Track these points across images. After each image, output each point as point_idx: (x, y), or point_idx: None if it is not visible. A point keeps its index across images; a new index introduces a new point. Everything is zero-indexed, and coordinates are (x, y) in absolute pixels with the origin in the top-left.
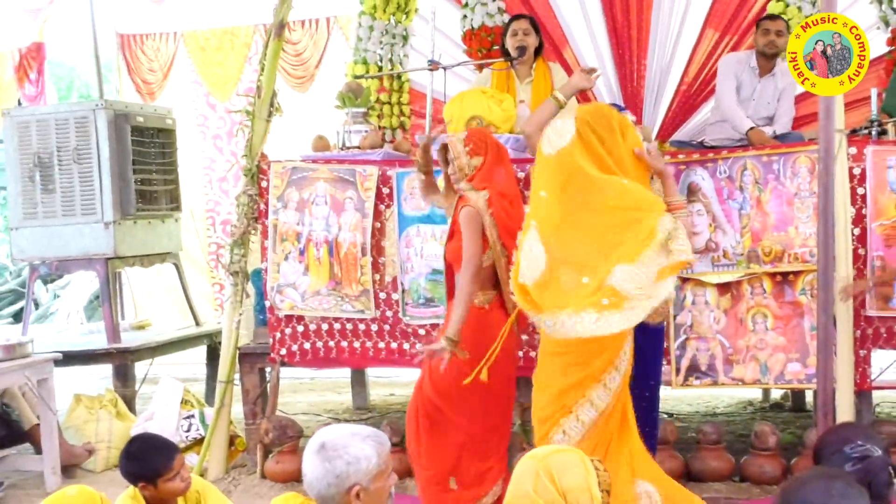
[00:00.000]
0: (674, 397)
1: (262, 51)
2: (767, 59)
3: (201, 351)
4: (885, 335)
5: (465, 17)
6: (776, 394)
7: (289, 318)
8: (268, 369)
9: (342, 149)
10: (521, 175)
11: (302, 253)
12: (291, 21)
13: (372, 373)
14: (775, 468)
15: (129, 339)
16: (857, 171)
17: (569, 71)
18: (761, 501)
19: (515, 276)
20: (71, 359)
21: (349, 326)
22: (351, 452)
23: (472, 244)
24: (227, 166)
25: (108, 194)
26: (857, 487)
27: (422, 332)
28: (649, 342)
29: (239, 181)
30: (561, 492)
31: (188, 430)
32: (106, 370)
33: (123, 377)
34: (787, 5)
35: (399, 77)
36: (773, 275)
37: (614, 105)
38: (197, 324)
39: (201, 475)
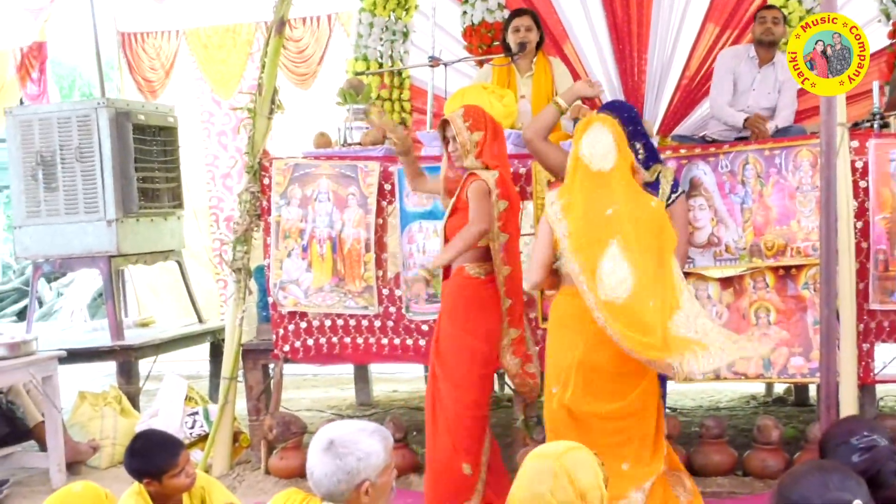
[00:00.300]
0: (677, 392)
1: (263, 48)
2: (766, 49)
3: (205, 348)
4: (888, 329)
5: (465, 13)
6: (779, 388)
7: (292, 314)
8: (271, 366)
9: (344, 145)
10: (523, 171)
11: (305, 249)
12: (293, 18)
13: (375, 369)
14: (778, 462)
15: (132, 337)
16: (859, 164)
17: (569, 65)
18: (764, 496)
19: (595, 290)
20: (75, 356)
21: (352, 323)
22: (361, 448)
23: (483, 212)
24: (231, 163)
25: (110, 192)
26: (855, 479)
27: (425, 327)
28: None
29: (242, 178)
30: (579, 492)
31: (192, 427)
32: (110, 367)
33: (127, 374)
34: None
35: (400, 73)
36: (775, 269)
37: (618, 102)
38: (200, 321)
39: (206, 472)
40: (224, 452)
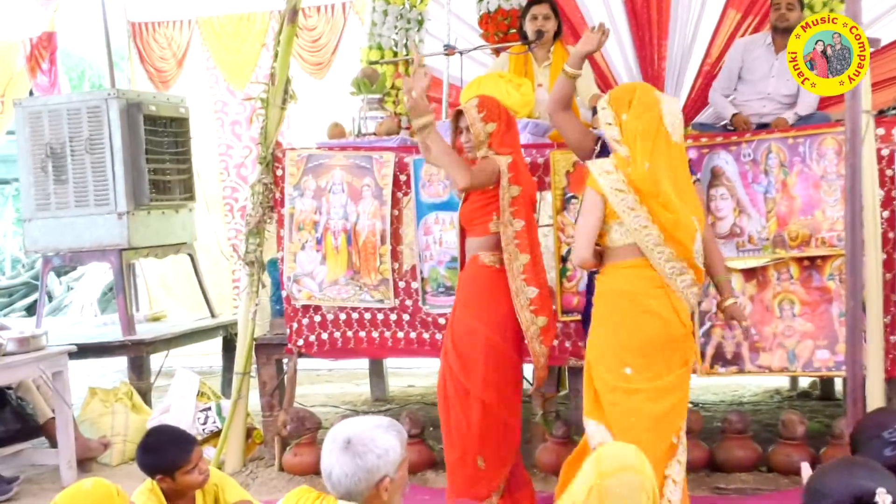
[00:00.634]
0: (699, 386)
1: (276, 37)
2: (782, 35)
3: (217, 342)
4: None
5: (481, 0)
6: (804, 382)
7: (306, 308)
8: (285, 360)
9: (358, 136)
10: (541, 161)
11: (319, 242)
12: (307, 6)
13: (390, 363)
14: (803, 458)
15: (144, 331)
16: (885, 152)
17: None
18: (788, 492)
19: (691, 257)
20: (85, 351)
21: (367, 316)
22: (380, 445)
23: (478, 175)
24: (245, 153)
25: (121, 184)
26: (882, 471)
27: (442, 321)
28: None
29: (255, 168)
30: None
31: (205, 423)
32: (121, 363)
33: (139, 370)
34: None
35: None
36: (800, 260)
37: None
38: (212, 315)
39: (218, 468)
40: (237, 449)
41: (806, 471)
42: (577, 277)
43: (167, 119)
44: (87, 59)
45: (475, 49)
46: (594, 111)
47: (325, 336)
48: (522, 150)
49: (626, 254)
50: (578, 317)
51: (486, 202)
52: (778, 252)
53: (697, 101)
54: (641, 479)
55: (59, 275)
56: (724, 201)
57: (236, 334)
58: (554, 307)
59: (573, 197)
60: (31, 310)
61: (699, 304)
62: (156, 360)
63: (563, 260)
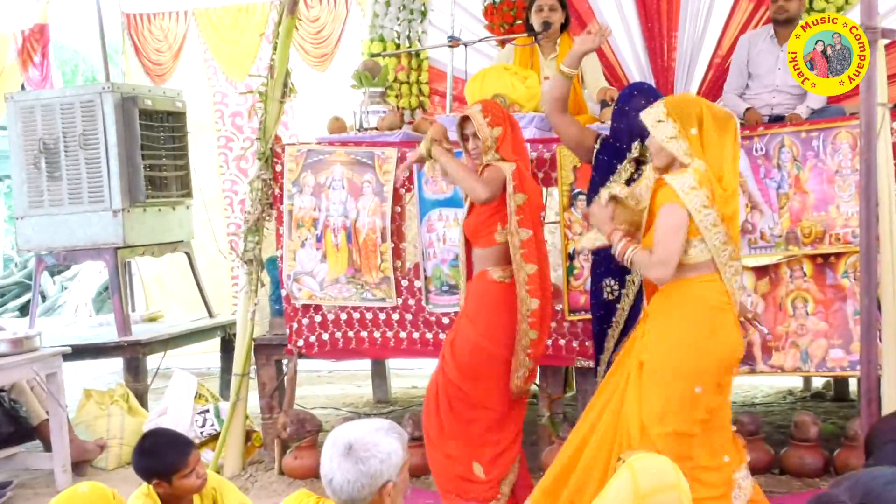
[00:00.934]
0: None
1: (275, 29)
2: (783, 27)
3: (215, 343)
4: None
5: None
6: (817, 382)
7: (306, 307)
8: (284, 361)
9: (359, 130)
10: (548, 156)
11: (319, 239)
12: None
13: (393, 364)
14: (816, 460)
15: (140, 332)
16: None
17: None
18: (802, 494)
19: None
20: (80, 352)
21: (369, 316)
22: (382, 449)
23: (491, 184)
24: (246, 145)
25: (116, 181)
26: None
27: (445, 320)
28: None
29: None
30: None
31: (203, 426)
32: (116, 364)
33: (135, 371)
34: None
35: (418, 55)
36: (813, 257)
37: (647, 86)
38: (210, 315)
39: (217, 472)
40: (236, 452)
41: None
42: (584, 276)
43: (163, 113)
44: (81, 53)
45: (480, 41)
46: (602, 105)
47: (325, 336)
48: (528, 144)
49: (704, 268)
50: (586, 315)
51: (491, 212)
52: (791, 249)
53: (708, 93)
54: (679, 495)
55: (52, 274)
56: None
57: (235, 335)
58: (560, 307)
59: (580, 193)
60: (24, 310)
61: None
62: (152, 362)
63: (571, 258)
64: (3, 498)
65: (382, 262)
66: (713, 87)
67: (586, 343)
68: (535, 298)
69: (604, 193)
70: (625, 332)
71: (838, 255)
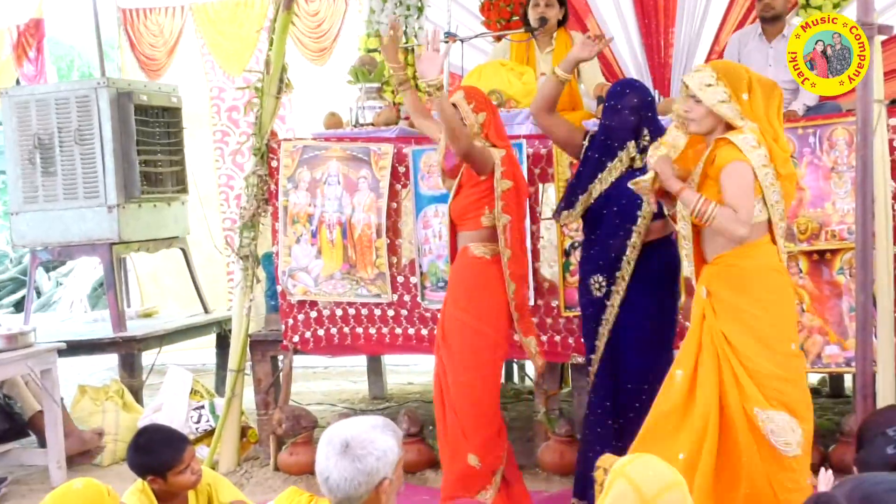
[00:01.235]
0: None
1: (271, 23)
2: (770, 23)
3: (211, 339)
4: None
5: None
6: (813, 378)
7: (301, 303)
8: (280, 357)
9: (355, 126)
10: (544, 151)
11: (314, 235)
12: None
13: (389, 360)
14: (812, 456)
15: (135, 328)
16: None
17: None
18: None
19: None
20: (75, 348)
21: (364, 312)
22: (379, 447)
23: (482, 152)
24: (242, 139)
25: (111, 176)
26: None
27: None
28: None
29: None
30: None
31: (198, 422)
32: (111, 360)
33: (130, 367)
34: None
35: (414, 50)
36: (809, 253)
37: (639, 83)
38: (206, 311)
39: (212, 468)
40: (231, 448)
41: (824, 477)
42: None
43: (159, 109)
44: (76, 48)
45: (477, 36)
46: (599, 101)
47: (321, 332)
48: (525, 140)
49: (760, 230)
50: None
51: (478, 196)
52: (787, 245)
53: None
54: (682, 490)
55: (47, 270)
56: None
57: (230, 330)
58: (556, 303)
59: None
60: (18, 306)
61: None
62: (147, 358)
63: (567, 254)
64: None
65: (378, 258)
66: None
67: (582, 339)
68: (513, 282)
69: (656, 152)
70: (616, 330)
71: (834, 252)
